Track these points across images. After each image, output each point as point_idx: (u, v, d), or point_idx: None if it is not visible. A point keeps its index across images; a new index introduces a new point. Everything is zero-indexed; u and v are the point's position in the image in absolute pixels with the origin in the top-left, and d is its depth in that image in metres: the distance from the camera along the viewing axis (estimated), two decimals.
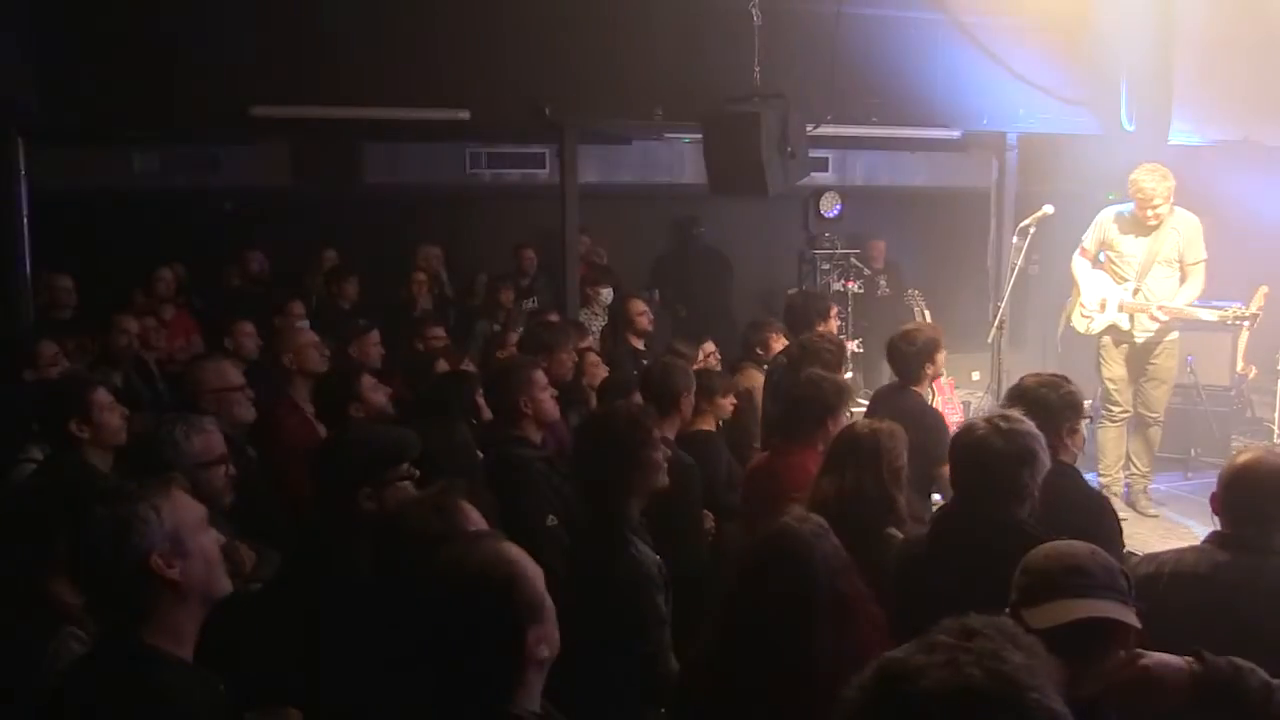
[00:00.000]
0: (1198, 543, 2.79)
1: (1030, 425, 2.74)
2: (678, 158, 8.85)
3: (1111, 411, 6.13)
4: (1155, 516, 6.05)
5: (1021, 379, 3.53)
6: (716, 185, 5.70)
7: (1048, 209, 6.02)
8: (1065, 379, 3.46)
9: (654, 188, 8.91)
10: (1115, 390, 6.07)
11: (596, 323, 7.05)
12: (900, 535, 3.00)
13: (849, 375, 5.32)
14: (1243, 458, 2.73)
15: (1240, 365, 7.68)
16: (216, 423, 3.21)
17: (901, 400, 4.35)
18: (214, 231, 7.87)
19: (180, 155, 7.98)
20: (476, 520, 2.35)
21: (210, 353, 4.82)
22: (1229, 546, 2.69)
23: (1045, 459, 2.73)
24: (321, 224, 8.06)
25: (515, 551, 1.87)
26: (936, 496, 4.11)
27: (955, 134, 7.28)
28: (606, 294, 7.21)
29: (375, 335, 5.07)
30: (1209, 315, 5.93)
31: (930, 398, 4.87)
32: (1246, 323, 6.05)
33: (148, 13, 5.39)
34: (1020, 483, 2.68)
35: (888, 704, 1.23)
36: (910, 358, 4.46)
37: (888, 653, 1.29)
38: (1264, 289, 7.86)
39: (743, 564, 2.32)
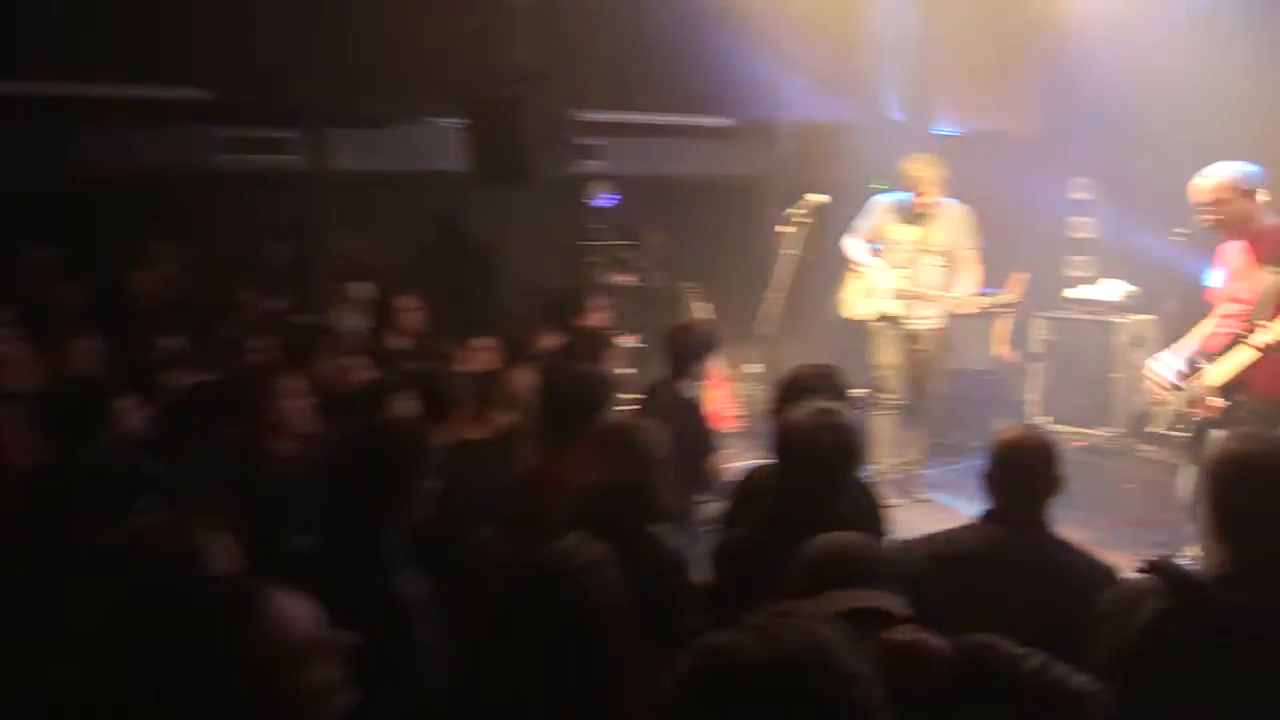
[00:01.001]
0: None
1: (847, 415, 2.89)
2: (441, 143, 8.69)
3: (884, 400, 6.51)
4: (928, 501, 6.46)
5: (794, 370, 3.69)
6: (481, 173, 5.65)
7: (822, 198, 6.32)
8: (834, 368, 3.66)
9: (416, 176, 8.72)
10: (887, 378, 6.46)
11: (354, 322, 6.84)
12: (663, 533, 3.05)
13: (625, 371, 5.39)
14: (1006, 435, 2.93)
15: (999, 349, 8.36)
16: None
17: (670, 394, 4.45)
18: None
19: None
20: (221, 552, 2.23)
21: None
22: (1000, 523, 2.87)
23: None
24: (28, 218, 7.39)
25: (268, 596, 1.73)
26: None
27: (728, 122, 7.49)
28: (365, 290, 7.01)
29: (91, 342, 4.69)
30: (979, 303, 6.37)
31: (700, 392, 5.03)
32: (1005, 310, 6.55)
33: None
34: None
35: (709, 681, 1.31)
36: (684, 352, 4.58)
37: (703, 638, 1.36)
38: (1022, 275, 8.59)
39: (502, 596, 2.27)
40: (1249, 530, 2.35)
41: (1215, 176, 4.59)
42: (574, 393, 3.81)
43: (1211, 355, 4.67)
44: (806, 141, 8.12)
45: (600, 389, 3.86)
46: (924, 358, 6.47)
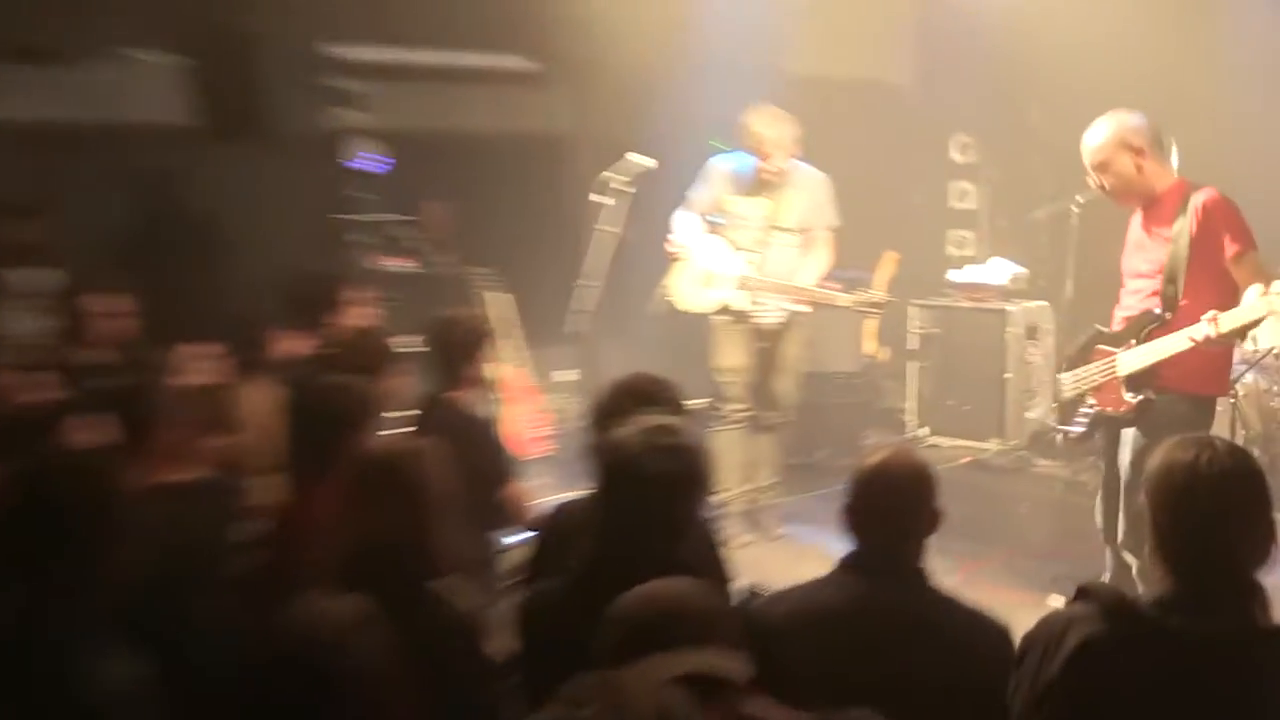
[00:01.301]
0: (835, 563, 3.01)
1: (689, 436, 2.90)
2: (147, 86, 8.35)
3: (728, 412, 6.60)
4: (783, 537, 6.61)
5: (617, 378, 3.69)
6: (204, 127, 5.46)
7: (647, 161, 6.35)
8: (666, 376, 3.68)
9: (113, 129, 8.35)
10: (732, 384, 6.55)
11: (29, 324, 6.49)
12: (447, 590, 3.01)
13: (398, 383, 5.28)
14: (872, 459, 2.97)
15: (869, 346, 8.60)
16: None
17: (451, 411, 4.42)
18: None
19: None
20: None
21: None
22: (865, 570, 2.92)
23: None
24: None
25: None
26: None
27: (530, 64, 7.44)
28: (43, 280, 6.64)
29: None
30: (844, 299, 6.44)
31: (494, 407, 5.01)
32: (875, 310, 6.60)
33: None
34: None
35: None
36: (444, 355, 4.58)
37: None
38: (894, 255, 8.87)
39: (237, 678, 2.21)
40: (1196, 549, 2.47)
41: (1098, 133, 4.82)
42: (327, 412, 3.72)
43: (1117, 339, 4.89)
44: (628, 89, 8.14)
45: (362, 406, 3.77)
46: (776, 359, 6.60)
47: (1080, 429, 5.11)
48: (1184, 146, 5.26)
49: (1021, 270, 8.86)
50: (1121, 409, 4.79)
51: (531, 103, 9.13)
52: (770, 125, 6.26)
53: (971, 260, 9.43)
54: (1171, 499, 2.51)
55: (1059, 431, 8.05)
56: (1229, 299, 4.61)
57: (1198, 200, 4.64)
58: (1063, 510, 7.03)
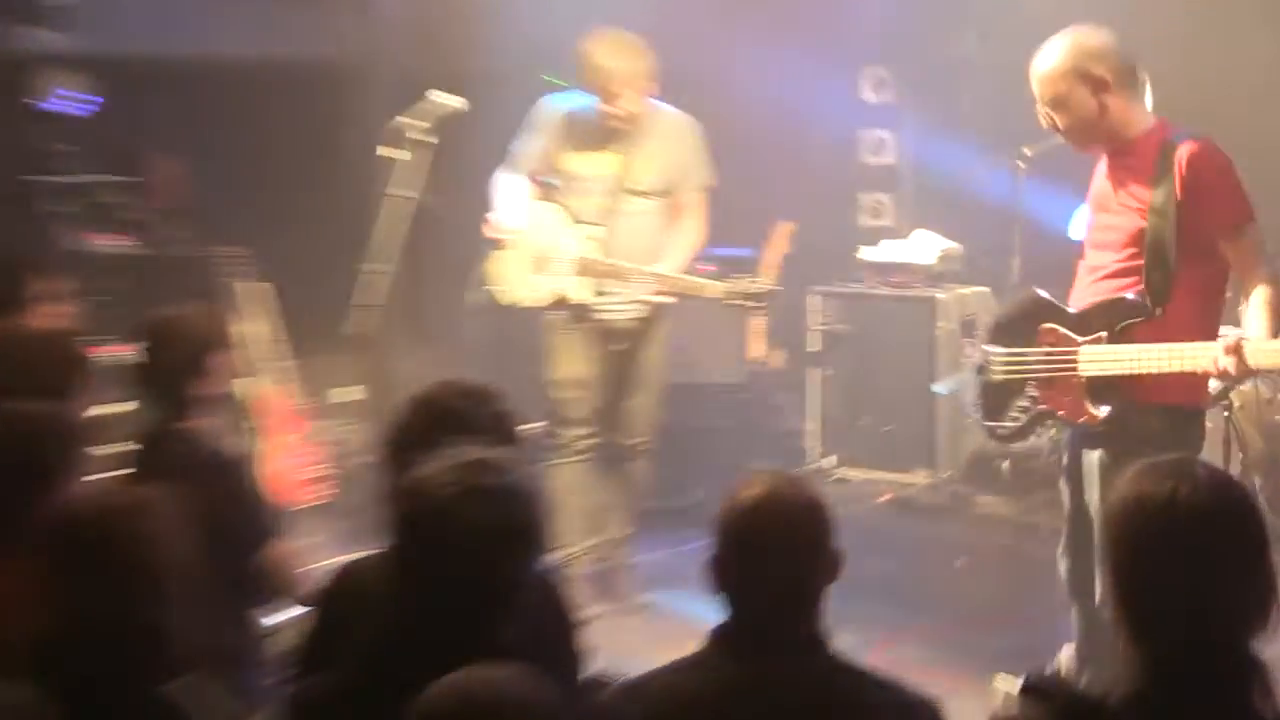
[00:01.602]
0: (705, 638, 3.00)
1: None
2: None
3: (569, 440, 6.61)
4: (644, 606, 6.65)
5: (419, 395, 3.63)
6: None
7: (454, 100, 6.30)
8: (489, 390, 3.64)
9: None
10: (574, 403, 6.53)
11: None
12: (183, 692, 2.96)
13: (111, 410, 5.16)
14: (744, 495, 2.96)
15: (756, 349, 8.66)
16: None
17: (171, 445, 4.37)
18: None
19: None
20: None
21: None
22: (745, 644, 2.92)
23: None
24: None
25: None
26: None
27: None
28: None
29: None
30: (716, 288, 6.42)
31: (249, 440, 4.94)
32: (759, 304, 6.55)
33: None
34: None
35: None
36: (168, 370, 4.50)
37: None
38: (787, 227, 8.94)
39: None
40: (1173, 614, 2.47)
41: (1049, 57, 4.88)
42: (9, 456, 3.63)
43: (1079, 323, 4.90)
44: (427, 7, 8.11)
45: (58, 445, 3.68)
46: (631, 369, 6.64)
47: (1012, 427, 5.13)
48: (1160, 83, 5.39)
49: (954, 245, 9.04)
50: (1082, 420, 4.86)
51: (296, 21, 9.01)
52: (617, 56, 6.26)
53: (890, 233, 9.56)
54: (1140, 547, 2.51)
55: (1002, 456, 8.30)
56: (1218, 289, 4.73)
57: (1183, 153, 4.69)
58: (1012, 561, 7.14)
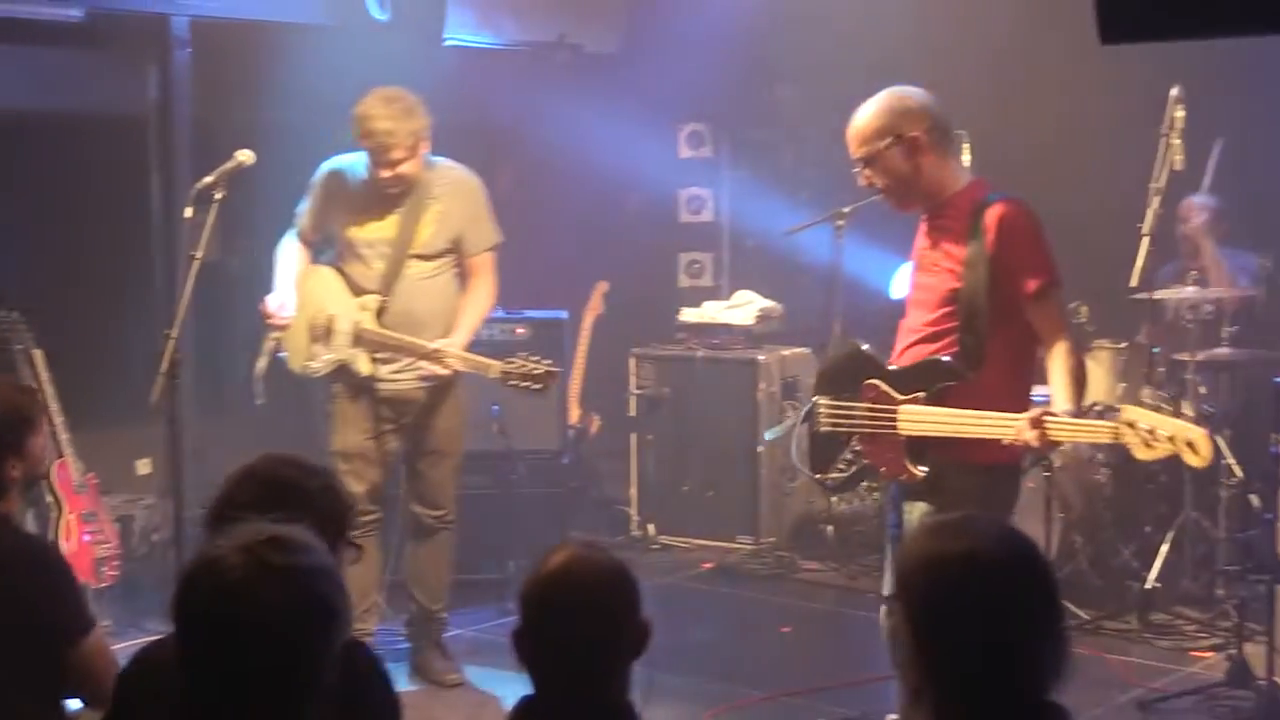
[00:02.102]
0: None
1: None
2: None
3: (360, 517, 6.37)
4: (459, 685, 6.45)
5: (249, 468, 3.45)
6: None
7: (244, 155, 6.10)
8: (306, 468, 3.48)
9: None
10: (350, 476, 6.26)
11: None
12: None
13: None
14: (546, 566, 2.95)
15: (572, 414, 8.52)
16: None
17: None
18: None
19: None
20: None
21: None
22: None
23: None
24: None
25: None
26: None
27: (75, 14, 7.21)
28: None
29: None
30: (494, 368, 6.12)
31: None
32: (538, 385, 6.21)
33: None
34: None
35: None
36: None
37: None
38: (602, 286, 8.84)
39: None
40: (974, 672, 2.47)
41: (863, 117, 4.89)
42: None
43: (899, 381, 4.89)
44: (221, 54, 7.95)
45: None
46: (425, 439, 6.47)
47: (839, 478, 5.12)
48: (979, 140, 5.39)
49: (774, 305, 9.00)
50: (903, 477, 4.85)
51: (79, 68, 8.75)
52: (390, 116, 6.08)
53: (710, 294, 9.52)
54: (940, 605, 2.50)
55: (827, 521, 8.28)
56: (1030, 350, 4.74)
57: (993, 212, 4.74)
58: (839, 627, 7.12)
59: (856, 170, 4.93)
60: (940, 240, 4.87)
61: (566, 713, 2.94)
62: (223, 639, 2.65)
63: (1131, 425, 4.43)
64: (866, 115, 4.85)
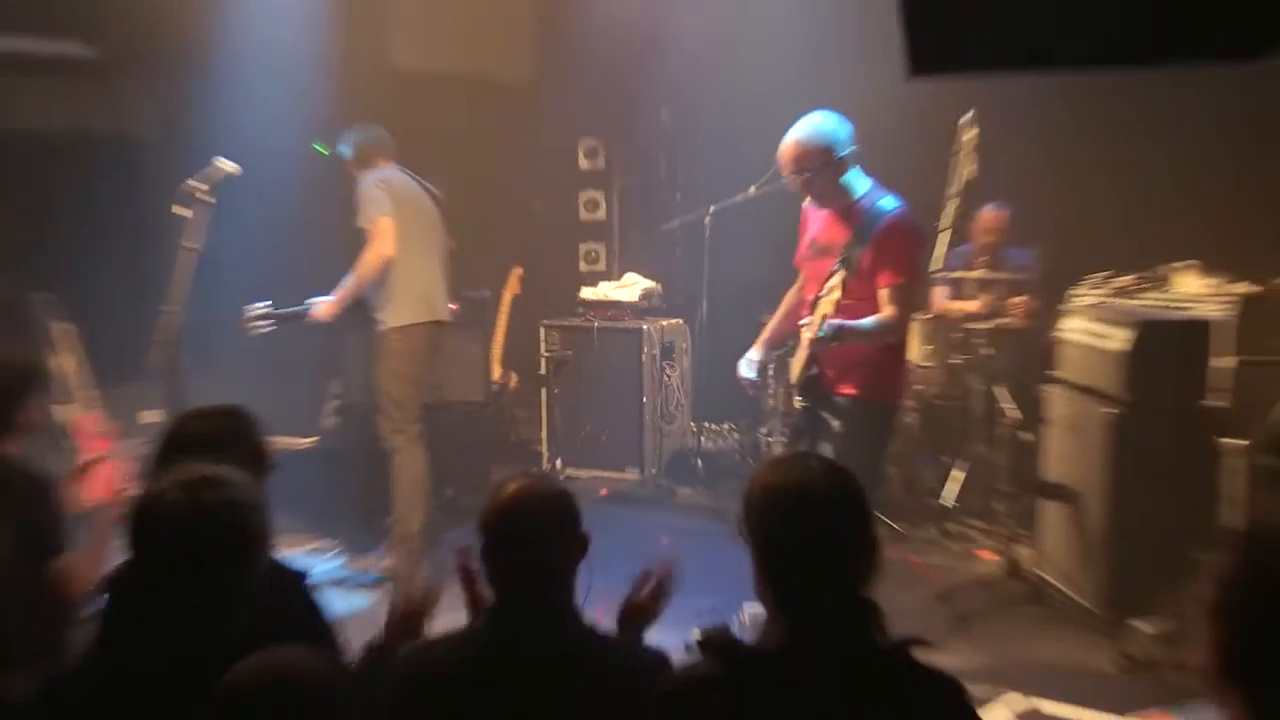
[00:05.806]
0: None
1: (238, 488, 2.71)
2: None
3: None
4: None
5: (180, 415, 3.50)
6: None
7: (228, 165, 6.17)
8: (238, 410, 3.48)
9: None
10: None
11: None
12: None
13: None
14: (507, 490, 2.96)
15: (495, 372, 8.67)
16: None
17: None
18: None
19: None
20: None
21: None
22: (505, 620, 2.91)
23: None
24: None
25: None
26: None
27: (84, 50, 7.22)
28: None
29: None
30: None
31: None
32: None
33: None
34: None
35: None
36: None
37: None
38: (518, 270, 8.95)
39: None
40: (805, 581, 2.51)
41: (795, 138, 5.06)
42: None
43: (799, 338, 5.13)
44: (217, 83, 7.97)
45: None
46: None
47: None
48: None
49: (654, 285, 9.16)
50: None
51: (100, 97, 8.70)
52: None
53: (604, 276, 9.66)
54: (777, 527, 2.56)
55: (696, 455, 8.44)
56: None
57: (882, 224, 4.98)
58: (706, 539, 7.23)
59: (791, 176, 5.09)
60: (835, 231, 5.12)
61: (528, 611, 2.90)
62: (160, 560, 2.67)
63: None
64: (796, 136, 5.05)
